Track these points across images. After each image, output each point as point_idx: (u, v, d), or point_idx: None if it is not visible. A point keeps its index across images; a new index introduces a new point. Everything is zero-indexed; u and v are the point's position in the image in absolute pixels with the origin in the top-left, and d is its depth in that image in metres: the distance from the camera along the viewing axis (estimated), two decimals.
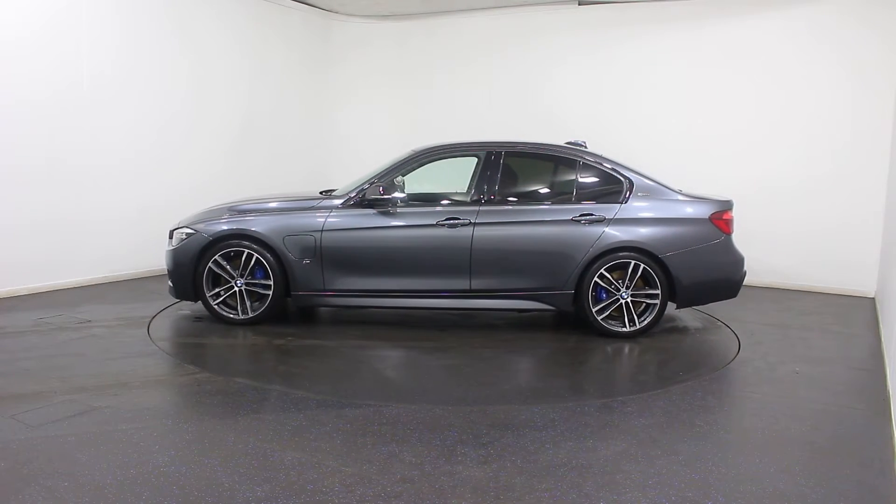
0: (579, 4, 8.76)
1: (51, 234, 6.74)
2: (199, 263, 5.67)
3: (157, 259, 7.75)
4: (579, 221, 5.53)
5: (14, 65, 6.36)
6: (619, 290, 5.50)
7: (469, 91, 9.48)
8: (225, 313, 5.71)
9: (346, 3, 9.46)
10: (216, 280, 5.74)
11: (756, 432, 3.88)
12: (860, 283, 7.59)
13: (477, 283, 5.58)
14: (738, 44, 8.00)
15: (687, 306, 5.82)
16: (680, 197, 5.65)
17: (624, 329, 5.52)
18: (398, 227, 5.64)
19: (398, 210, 5.66)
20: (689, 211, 5.60)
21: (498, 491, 2.99)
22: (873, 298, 7.45)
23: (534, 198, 5.90)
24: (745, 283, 5.82)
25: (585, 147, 6.00)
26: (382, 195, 5.59)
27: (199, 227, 5.76)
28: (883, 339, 5.62)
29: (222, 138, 8.51)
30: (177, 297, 5.88)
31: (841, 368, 5.03)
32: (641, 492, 3.01)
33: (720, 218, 5.58)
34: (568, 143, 6.04)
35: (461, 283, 5.59)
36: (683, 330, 5.94)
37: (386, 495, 2.92)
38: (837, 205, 7.63)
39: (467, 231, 5.54)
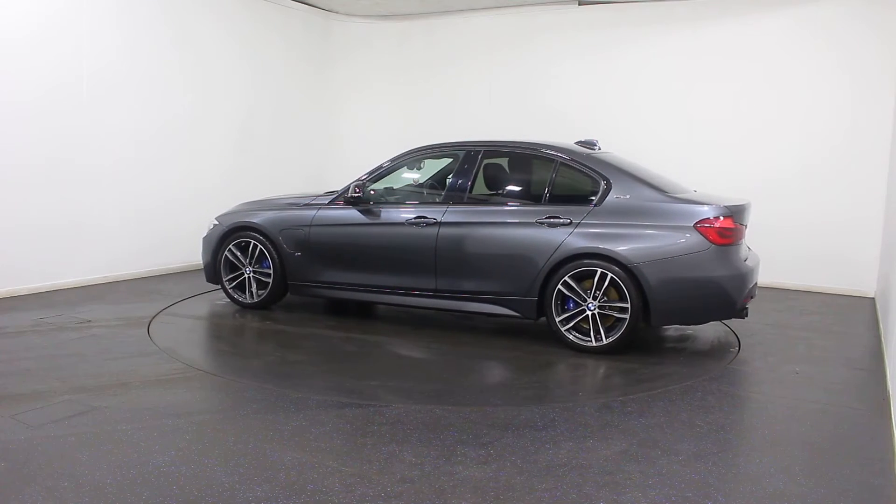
0: (579, 4, 8.76)
1: (51, 235, 6.74)
2: (218, 251, 6.29)
3: (157, 259, 7.80)
4: (543, 224, 5.21)
5: (13, 63, 6.35)
6: (585, 301, 5.05)
7: (469, 91, 9.47)
8: (237, 297, 6.29)
9: (346, 3, 9.47)
10: (234, 267, 6.31)
11: (756, 432, 3.89)
12: (860, 283, 7.59)
13: (442, 284, 5.52)
14: (738, 43, 8.00)
15: (664, 325, 5.27)
16: (666, 200, 5.07)
17: (589, 343, 5.05)
18: (372, 225, 5.80)
19: (377, 208, 5.83)
20: (670, 216, 4.98)
21: (498, 491, 2.99)
22: (873, 298, 7.44)
23: (504, 198, 5.75)
24: None
25: (598, 147, 5.83)
26: (357, 193, 5.78)
27: (222, 218, 6.45)
28: (883, 339, 5.61)
29: (222, 138, 8.51)
30: (207, 281, 6.50)
31: (841, 368, 5.03)
32: (641, 492, 3.01)
33: (710, 225, 4.88)
34: (578, 142, 5.84)
35: (428, 283, 5.56)
36: (683, 329, 5.93)
37: (386, 495, 2.92)
38: (837, 205, 7.63)
39: (433, 230, 5.51)
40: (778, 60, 7.83)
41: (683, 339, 5.69)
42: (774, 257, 7.52)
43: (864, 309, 7.01)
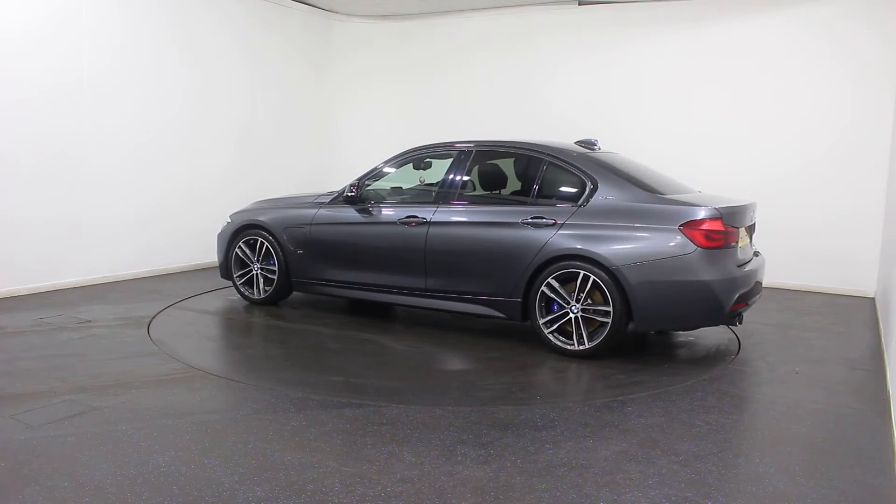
0: (579, 4, 8.76)
1: (51, 234, 6.74)
2: (230, 248, 6.51)
3: (157, 259, 7.80)
4: (528, 225, 5.14)
5: (14, 63, 6.35)
6: (568, 303, 4.93)
7: (469, 91, 9.47)
8: (246, 293, 6.50)
9: (346, 3, 9.47)
10: (244, 264, 6.50)
11: (756, 432, 3.89)
12: (860, 283, 7.59)
13: (431, 283, 5.53)
14: (739, 43, 7.99)
15: (649, 329, 5.12)
16: (653, 201, 4.93)
17: (572, 346, 4.94)
18: (367, 224, 5.89)
19: (371, 207, 5.91)
20: (655, 217, 4.82)
21: (498, 491, 2.99)
22: (873, 298, 7.45)
23: (493, 198, 5.71)
24: None
25: (598, 146, 5.75)
26: (352, 193, 5.92)
27: (235, 216, 6.64)
28: (883, 339, 5.61)
29: (222, 138, 8.51)
30: (221, 277, 6.68)
31: (841, 368, 5.03)
32: (641, 492, 3.01)
33: (696, 227, 4.70)
34: (578, 142, 5.77)
35: (418, 282, 5.58)
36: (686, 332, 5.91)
37: (386, 495, 2.92)
38: (837, 205, 7.63)
39: (423, 230, 5.54)
40: (778, 60, 7.83)
41: (683, 339, 5.69)
42: (774, 257, 7.52)
43: (864, 309, 7.01)
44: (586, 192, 5.11)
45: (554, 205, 5.20)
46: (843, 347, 5.62)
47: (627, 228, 4.86)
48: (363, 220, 5.90)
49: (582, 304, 4.90)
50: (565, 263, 4.96)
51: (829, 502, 2.98)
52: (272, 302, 6.43)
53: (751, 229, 5.36)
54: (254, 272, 6.42)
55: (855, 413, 4.11)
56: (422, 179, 6.11)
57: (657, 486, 3.06)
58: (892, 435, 3.73)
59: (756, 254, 5.51)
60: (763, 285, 5.46)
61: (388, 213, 5.84)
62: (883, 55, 7.34)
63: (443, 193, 5.66)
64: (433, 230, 5.51)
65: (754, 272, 5.14)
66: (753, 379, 4.79)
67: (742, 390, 4.56)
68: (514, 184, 5.79)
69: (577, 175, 5.22)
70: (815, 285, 7.78)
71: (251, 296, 6.45)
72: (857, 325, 6.36)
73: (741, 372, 4.88)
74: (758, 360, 5.15)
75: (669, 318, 4.94)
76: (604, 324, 4.86)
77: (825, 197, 7.68)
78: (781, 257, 7.62)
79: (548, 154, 5.41)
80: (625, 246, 4.82)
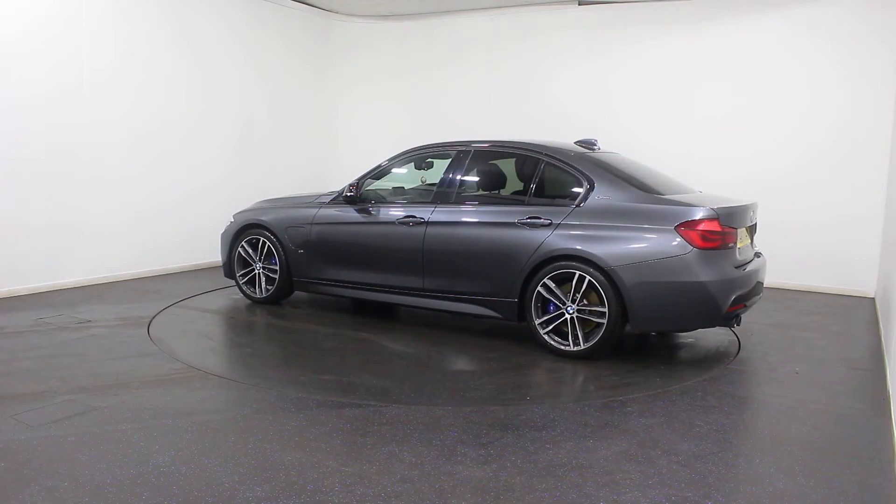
0: (579, 4, 8.76)
1: (51, 234, 6.75)
2: (232, 248, 6.56)
3: (157, 259, 7.80)
4: (524, 225, 5.12)
5: (14, 63, 6.36)
6: (564, 304, 4.91)
7: (469, 91, 9.47)
8: (248, 292, 6.55)
9: (346, 3, 9.47)
10: (246, 263, 6.56)
11: (756, 432, 3.89)
12: (860, 283, 7.59)
13: (429, 283, 5.54)
14: (738, 43, 7.99)
15: (644, 331, 5.07)
16: (649, 201, 4.88)
17: (568, 347, 4.91)
18: (366, 224, 5.92)
19: (371, 207, 5.94)
20: (652, 218, 4.77)
21: (498, 491, 2.99)
22: (873, 298, 7.44)
23: (490, 198, 5.69)
24: None
25: (597, 146, 5.74)
26: (351, 193, 5.97)
27: (238, 215, 6.68)
28: (883, 339, 5.61)
29: (222, 139, 8.51)
30: (225, 276, 6.74)
31: (841, 368, 5.03)
32: (641, 492, 3.01)
33: (693, 228, 4.65)
34: (577, 142, 5.76)
35: (416, 282, 5.60)
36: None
37: (386, 495, 2.92)
38: (837, 204, 7.63)
39: (421, 230, 5.55)
40: (778, 60, 7.83)
41: (683, 340, 5.69)
42: (774, 257, 7.52)
43: (864, 309, 7.01)
44: (583, 192, 5.08)
45: (550, 205, 5.18)
46: (843, 347, 5.62)
47: (624, 229, 4.82)
48: (362, 219, 5.93)
49: (578, 305, 4.88)
50: (561, 264, 4.93)
51: (829, 502, 2.98)
52: (274, 301, 6.47)
53: (751, 230, 5.33)
54: (256, 271, 6.46)
55: (855, 413, 4.11)
56: (423, 179, 6.13)
57: (657, 486, 3.06)
58: (892, 435, 3.73)
59: (757, 254, 5.49)
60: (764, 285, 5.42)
61: (386, 212, 5.86)
62: (883, 55, 7.35)
63: (441, 193, 5.66)
64: (430, 230, 5.51)
65: (754, 273, 5.10)
66: (753, 379, 4.79)
67: (742, 390, 4.56)
68: (511, 184, 5.77)
69: (573, 175, 5.19)
70: (815, 285, 7.79)
71: (253, 295, 6.50)
72: (857, 325, 6.36)
73: (741, 372, 4.88)
74: (758, 360, 5.15)
75: (665, 320, 4.89)
76: (600, 324, 4.83)
77: (825, 197, 7.69)
78: (781, 257, 7.62)
79: (545, 154, 5.39)
80: (621, 246, 4.77)
